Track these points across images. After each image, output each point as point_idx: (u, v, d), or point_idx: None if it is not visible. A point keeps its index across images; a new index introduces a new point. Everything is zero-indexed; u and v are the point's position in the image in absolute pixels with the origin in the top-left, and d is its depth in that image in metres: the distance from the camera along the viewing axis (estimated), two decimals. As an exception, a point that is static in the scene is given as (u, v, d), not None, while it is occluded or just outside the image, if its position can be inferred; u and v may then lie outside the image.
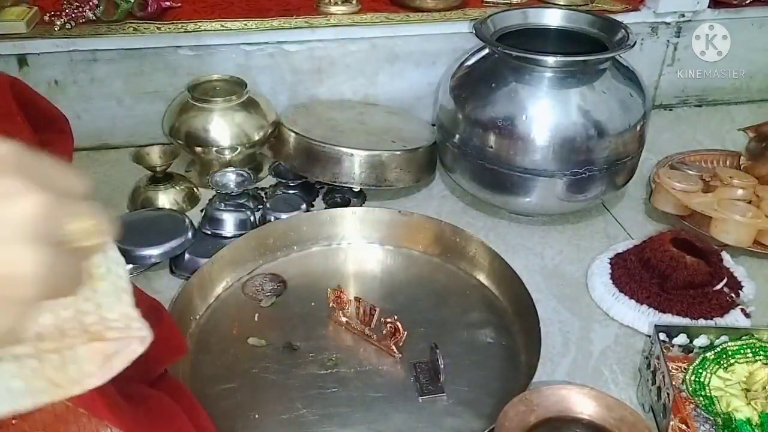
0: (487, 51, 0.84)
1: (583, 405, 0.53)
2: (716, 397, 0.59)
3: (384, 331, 0.65)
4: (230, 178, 0.83)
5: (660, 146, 1.02)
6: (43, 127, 0.49)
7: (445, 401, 0.61)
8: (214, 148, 0.87)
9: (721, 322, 0.69)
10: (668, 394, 0.57)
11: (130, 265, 0.72)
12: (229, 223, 0.80)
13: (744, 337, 0.63)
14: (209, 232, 0.79)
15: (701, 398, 0.60)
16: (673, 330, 0.64)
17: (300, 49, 0.98)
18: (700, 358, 0.62)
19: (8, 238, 0.22)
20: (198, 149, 0.88)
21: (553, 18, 0.89)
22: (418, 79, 1.04)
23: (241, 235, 0.77)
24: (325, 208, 0.86)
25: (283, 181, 0.88)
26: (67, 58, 0.94)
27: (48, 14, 0.96)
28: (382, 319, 0.65)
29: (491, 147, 0.80)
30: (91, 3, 0.96)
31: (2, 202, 0.22)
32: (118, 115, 1.00)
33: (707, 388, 0.60)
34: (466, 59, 0.87)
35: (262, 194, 0.89)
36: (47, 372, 0.28)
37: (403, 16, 1.02)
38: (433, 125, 0.97)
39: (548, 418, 0.52)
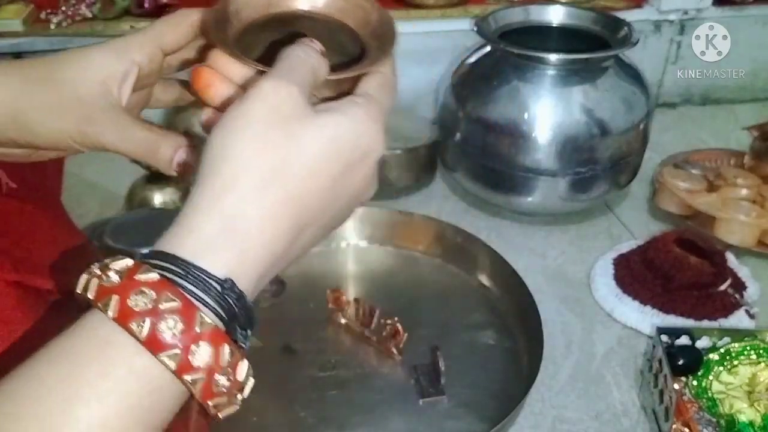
0: (488, 49, 0.84)
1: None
2: (719, 399, 0.59)
3: (384, 333, 0.64)
4: (228, 177, 0.83)
5: (663, 145, 1.01)
6: None
7: (446, 404, 0.61)
8: (213, 147, 0.86)
9: (725, 323, 0.69)
10: (670, 397, 0.56)
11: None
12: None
13: (747, 339, 0.62)
14: (207, 232, 0.79)
15: (704, 400, 0.59)
16: (675, 332, 0.64)
17: (299, 47, 0.98)
18: (703, 360, 0.61)
19: (375, 173, 0.31)
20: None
21: (555, 15, 0.88)
22: (419, 77, 1.03)
23: (239, 235, 0.77)
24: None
25: (282, 180, 0.87)
26: (64, 56, 0.94)
27: (44, 12, 0.95)
28: (382, 320, 0.64)
29: (493, 146, 0.80)
30: (87, 0, 0.96)
31: (378, 150, 0.30)
32: (115, 114, 0.99)
33: (710, 390, 0.60)
34: (468, 57, 0.86)
35: (261, 194, 0.88)
36: None
37: (404, 13, 1.02)
38: (434, 124, 0.97)
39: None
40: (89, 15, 0.95)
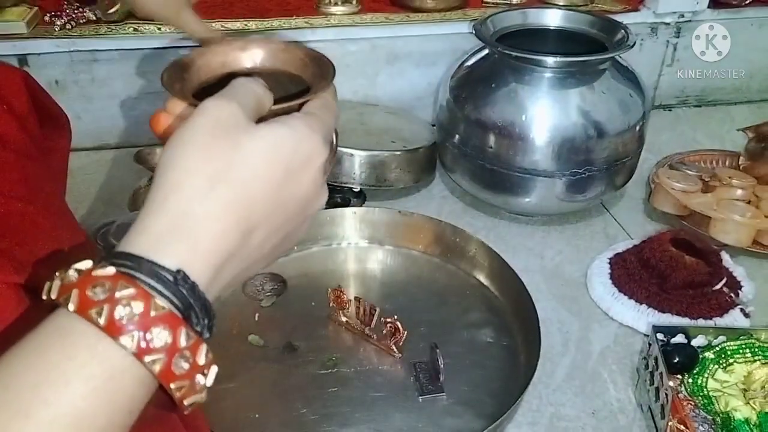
0: (486, 51, 0.85)
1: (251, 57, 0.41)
2: (715, 397, 0.59)
3: (384, 331, 0.65)
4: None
5: (659, 146, 1.02)
6: (47, 123, 0.49)
7: (445, 401, 0.61)
8: (215, 149, 0.87)
9: (720, 322, 0.70)
10: (666, 394, 0.57)
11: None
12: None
13: (743, 337, 0.63)
14: (209, 232, 0.79)
15: (700, 398, 0.60)
16: (670, 330, 0.64)
17: (300, 50, 0.98)
18: (699, 358, 0.62)
19: (321, 181, 0.33)
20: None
21: (552, 18, 0.89)
22: (418, 79, 1.04)
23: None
24: (325, 208, 0.86)
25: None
26: (67, 58, 0.94)
27: (48, 14, 0.96)
28: (382, 318, 0.65)
29: (491, 147, 0.81)
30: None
31: (320, 157, 0.32)
32: (118, 116, 1.00)
33: (706, 388, 0.60)
34: (466, 59, 0.87)
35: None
36: None
37: (403, 16, 1.03)
38: (433, 125, 0.97)
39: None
40: (93, 17, 0.96)
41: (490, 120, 0.80)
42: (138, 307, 0.26)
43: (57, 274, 0.27)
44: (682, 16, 1.09)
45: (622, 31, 0.82)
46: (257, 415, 0.59)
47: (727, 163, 0.97)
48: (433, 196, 0.93)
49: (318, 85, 0.36)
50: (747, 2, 1.10)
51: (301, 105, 0.34)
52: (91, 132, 0.99)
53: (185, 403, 0.28)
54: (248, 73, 0.37)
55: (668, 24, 1.09)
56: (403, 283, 0.76)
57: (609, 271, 0.77)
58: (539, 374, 0.61)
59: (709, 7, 1.08)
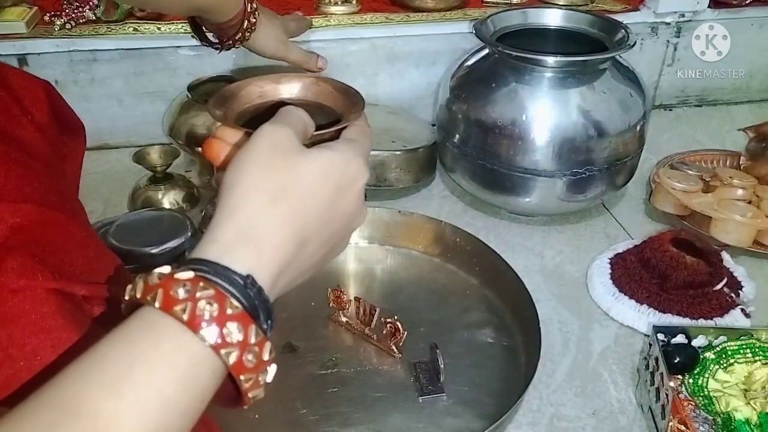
0: (487, 51, 0.85)
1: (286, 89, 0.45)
2: (715, 397, 0.59)
3: (384, 331, 0.65)
4: (230, 178, 0.83)
5: (660, 146, 1.02)
6: (64, 131, 0.51)
7: (445, 401, 0.61)
8: (214, 148, 0.87)
9: (721, 322, 0.69)
10: (667, 395, 0.57)
11: (130, 266, 0.72)
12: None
13: (743, 337, 0.63)
14: (209, 232, 0.79)
15: (700, 398, 0.60)
16: (671, 330, 0.64)
17: (300, 49, 0.98)
18: (700, 358, 0.62)
19: (363, 200, 0.37)
20: (198, 149, 0.88)
21: (553, 18, 0.89)
22: (418, 79, 1.04)
23: (241, 235, 0.77)
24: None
25: (283, 181, 0.87)
26: (67, 58, 0.94)
27: (48, 14, 0.96)
28: (382, 319, 0.65)
29: (491, 147, 0.80)
30: (91, 3, 0.96)
31: (363, 178, 0.37)
32: (118, 115, 1.00)
33: (706, 388, 0.60)
34: (466, 59, 0.87)
35: (262, 194, 0.89)
36: None
37: (403, 16, 1.02)
38: (433, 125, 0.97)
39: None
40: (92, 17, 0.96)
41: (490, 120, 0.80)
42: (216, 306, 0.29)
43: (139, 277, 0.31)
44: (683, 15, 1.09)
45: (623, 30, 0.82)
46: (257, 416, 0.59)
47: (727, 162, 0.97)
48: (433, 196, 0.93)
49: (350, 113, 0.41)
50: (747, 2, 1.10)
51: (338, 132, 0.39)
52: (90, 132, 0.97)
53: (249, 395, 0.31)
54: (283, 103, 0.41)
55: (668, 24, 1.09)
56: (403, 283, 0.76)
57: (609, 271, 0.77)
58: (539, 374, 0.61)
59: (709, 6, 1.08)
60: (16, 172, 0.38)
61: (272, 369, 0.31)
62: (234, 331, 0.29)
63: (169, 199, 0.85)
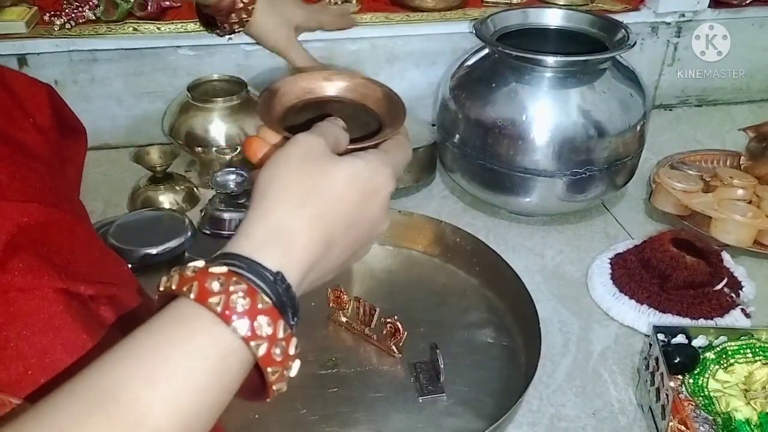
0: (487, 51, 0.84)
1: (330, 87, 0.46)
2: (715, 397, 0.59)
3: (384, 332, 0.65)
4: (230, 178, 0.83)
5: (660, 146, 1.02)
6: (67, 134, 0.51)
7: (445, 401, 0.61)
8: (214, 148, 0.87)
9: (721, 322, 0.69)
10: (667, 395, 0.57)
11: (129, 266, 0.72)
12: (229, 223, 0.79)
13: (743, 337, 0.63)
14: (209, 233, 0.79)
15: (700, 399, 0.60)
16: (671, 330, 0.64)
17: (300, 49, 0.98)
18: (700, 358, 0.62)
19: (387, 209, 0.38)
20: (198, 149, 0.88)
21: (553, 18, 0.89)
22: (418, 79, 1.04)
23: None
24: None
25: (283, 181, 0.87)
26: (66, 58, 0.94)
27: (48, 14, 0.96)
28: (382, 319, 0.65)
29: (491, 147, 0.80)
30: (90, 3, 0.96)
31: (388, 188, 0.38)
32: (118, 115, 1.00)
33: (706, 388, 0.60)
34: (466, 59, 0.87)
35: (262, 194, 0.89)
36: None
37: (403, 16, 1.02)
38: (433, 125, 0.97)
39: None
40: (92, 17, 0.96)
41: (490, 120, 0.80)
42: (248, 300, 0.30)
43: (174, 270, 0.32)
44: (683, 15, 1.09)
45: (623, 30, 0.82)
46: (257, 416, 0.59)
47: (728, 162, 0.97)
48: (433, 196, 0.93)
49: (392, 122, 0.42)
50: (747, 2, 1.09)
51: (376, 145, 0.40)
52: (90, 132, 0.97)
53: (274, 388, 0.32)
54: (329, 101, 0.44)
55: (669, 24, 1.09)
56: (403, 283, 0.76)
57: (610, 271, 0.77)
58: (539, 375, 0.61)
59: (709, 6, 1.08)
60: (20, 173, 0.38)
61: (296, 364, 0.32)
62: (264, 325, 0.30)
63: (168, 199, 0.85)
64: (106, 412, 0.27)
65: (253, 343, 0.30)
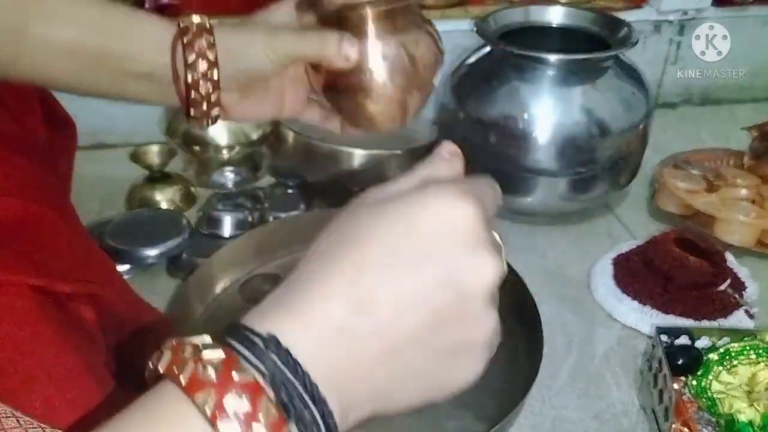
0: (488, 49, 0.84)
1: None
2: (719, 399, 0.59)
3: (384, 333, 0.64)
4: (228, 177, 0.83)
5: (663, 145, 1.01)
6: (54, 127, 0.50)
7: (446, 403, 0.60)
8: (212, 148, 0.87)
9: (724, 323, 0.69)
10: (670, 396, 0.56)
11: (126, 266, 0.72)
12: (227, 223, 0.79)
13: (747, 339, 0.62)
14: (207, 232, 0.79)
15: (703, 400, 0.59)
16: (674, 331, 0.64)
17: (299, 47, 0.98)
18: (703, 360, 0.61)
19: (486, 303, 0.27)
20: (195, 148, 0.87)
21: (555, 16, 0.88)
22: (419, 77, 1.03)
23: (239, 235, 0.77)
24: (325, 209, 0.85)
25: (282, 180, 0.87)
26: (64, 56, 0.94)
27: (45, 12, 0.95)
28: (381, 320, 0.64)
29: (493, 146, 0.80)
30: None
31: (483, 271, 0.27)
32: (115, 114, 0.99)
33: (710, 390, 0.60)
34: (467, 57, 0.86)
35: (261, 194, 0.88)
36: None
37: (404, 13, 1.02)
38: (434, 124, 0.97)
39: None
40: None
41: (491, 118, 0.79)
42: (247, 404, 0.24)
43: (183, 354, 0.25)
44: (686, 13, 1.08)
45: (625, 28, 0.81)
46: (255, 418, 0.58)
47: (731, 162, 0.96)
48: (433, 196, 0.92)
49: None
50: (751, 0, 1.09)
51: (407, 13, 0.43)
52: (87, 131, 0.97)
53: None
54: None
55: (671, 22, 1.09)
56: (403, 283, 0.75)
57: (612, 271, 0.76)
58: (541, 376, 0.60)
59: (712, 4, 1.08)
60: (0, 168, 0.37)
61: None
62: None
63: (166, 198, 0.85)
64: None
65: None
